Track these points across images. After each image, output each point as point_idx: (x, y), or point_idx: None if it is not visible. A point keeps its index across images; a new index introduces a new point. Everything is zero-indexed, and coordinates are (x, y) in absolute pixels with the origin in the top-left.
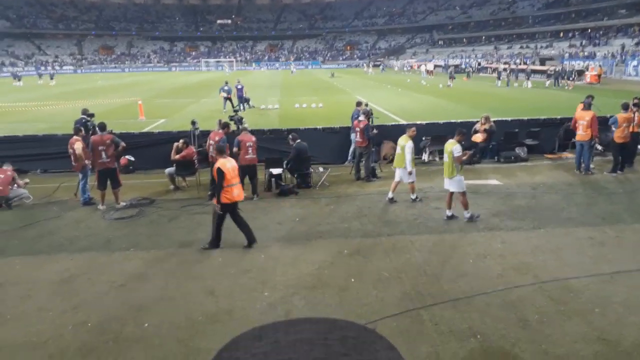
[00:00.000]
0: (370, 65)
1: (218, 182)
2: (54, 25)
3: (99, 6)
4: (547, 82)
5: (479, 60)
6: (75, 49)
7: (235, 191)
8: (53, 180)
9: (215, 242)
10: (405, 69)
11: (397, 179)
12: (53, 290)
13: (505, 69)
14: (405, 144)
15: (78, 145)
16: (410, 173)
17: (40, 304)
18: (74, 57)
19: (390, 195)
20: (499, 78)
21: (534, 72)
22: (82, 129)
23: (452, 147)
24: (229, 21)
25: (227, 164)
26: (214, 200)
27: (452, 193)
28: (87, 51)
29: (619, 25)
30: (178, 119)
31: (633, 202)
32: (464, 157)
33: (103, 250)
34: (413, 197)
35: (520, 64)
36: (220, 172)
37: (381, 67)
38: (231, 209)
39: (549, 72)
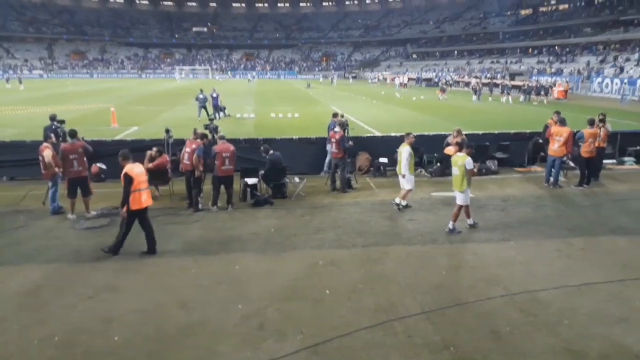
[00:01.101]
0: (332, 77)
1: (125, 188)
2: (23, 28)
3: (70, 10)
4: (522, 97)
5: (451, 74)
6: (46, 53)
7: (144, 196)
8: (20, 189)
9: (117, 248)
10: (370, 80)
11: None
12: (18, 303)
13: (477, 83)
14: (401, 149)
15: (47, 153)
16: (404, 176)
17: (4, 317)
18: (44, 62)
19: (403, 203)
20: (475, 93)
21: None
22: (52, 135)
23: (464, 160)
24: (205, 29)
25: (135, 169)
26: (124, 208)
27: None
28: (58, 55)
29: (584, 43)
30: (151, 126)
31: (598, 215)
32: (475, 170)
33: (72, 261)
34: (397, 201)
35: (494, 78)
36: (127, 177)
37: (331, 78)
38: (140, 214)
39: (523, 87)
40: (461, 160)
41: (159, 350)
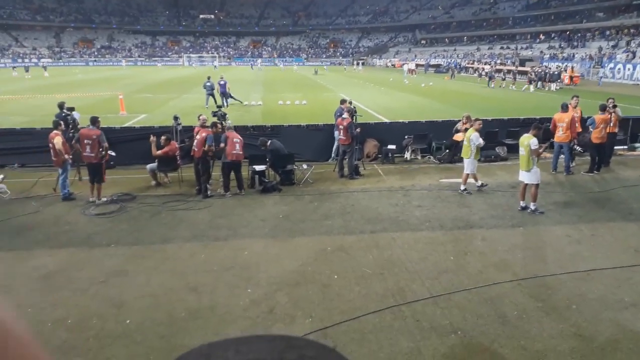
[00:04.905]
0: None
1: None
2: (31, 16)
3: None
4: (531, 87)
5: (460, 60)
6: (54, 41)
7: None
8: (31, 175)
9: None
10: (346, 65)
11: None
12: (32, 287)
13: (490, 69)
14: (470, 135)
15: (58, 140)
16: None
17: (18, 301)
18: (52, 50)
19: (462, 187)
20: (504, 79)
21: (519, 73)
22: (62, 123)
23: (529, 140)
24: (212, 16)
25: None
26: None
27: (526, 185)
28: (66, 44)
29: (596, 28)
30: (159, 114)
31: (609, 201)
32: (541, 150)
33: (83, 246)
34: (462, 188)
35: (515, 65)
36: None
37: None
38: None
39: (530, 75)
40: (527, 141)
41: (169, 333)
